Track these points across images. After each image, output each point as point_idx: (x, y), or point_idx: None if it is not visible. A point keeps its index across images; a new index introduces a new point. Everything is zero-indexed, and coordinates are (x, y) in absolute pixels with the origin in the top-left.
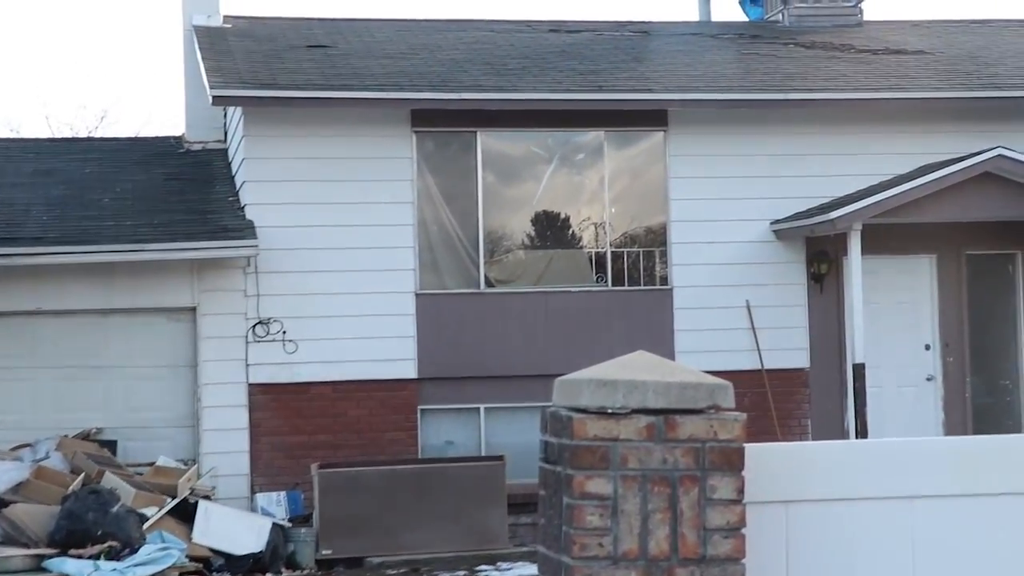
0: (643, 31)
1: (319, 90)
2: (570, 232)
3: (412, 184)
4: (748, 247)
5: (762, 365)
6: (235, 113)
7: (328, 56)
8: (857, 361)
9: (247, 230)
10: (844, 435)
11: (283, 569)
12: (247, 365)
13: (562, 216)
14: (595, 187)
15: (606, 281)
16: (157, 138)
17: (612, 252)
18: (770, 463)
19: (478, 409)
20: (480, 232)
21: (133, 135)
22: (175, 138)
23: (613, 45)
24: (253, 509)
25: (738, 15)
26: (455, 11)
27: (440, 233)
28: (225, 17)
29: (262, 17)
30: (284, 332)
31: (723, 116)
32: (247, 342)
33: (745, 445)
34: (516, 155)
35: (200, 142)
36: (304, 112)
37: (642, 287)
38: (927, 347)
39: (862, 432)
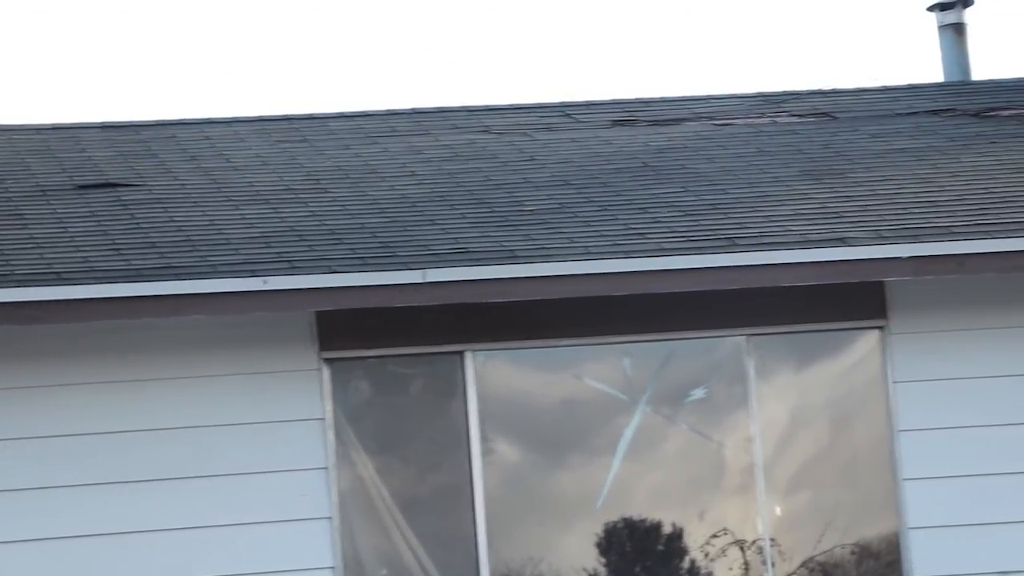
0: (822, 112)
1: (107, 283)
2: (688, 570)
3: (327, 476)
4: None
5: None
6: None
7: (125, 207)
8: None
9: None
10: None
11: None
12: None
13: (664, 531)
14: (737, 463)
15: None
16: None
17: None
18: None
19: None
20: None
21: None
22: None
23: (755, 147)
24: None
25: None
26: (410, 95)
27: None
28: None
29: None
30: None
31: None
32: None
33: None
34: (553, 399)
35: None
36: (62, 335)
37: None
38: None
39: None
